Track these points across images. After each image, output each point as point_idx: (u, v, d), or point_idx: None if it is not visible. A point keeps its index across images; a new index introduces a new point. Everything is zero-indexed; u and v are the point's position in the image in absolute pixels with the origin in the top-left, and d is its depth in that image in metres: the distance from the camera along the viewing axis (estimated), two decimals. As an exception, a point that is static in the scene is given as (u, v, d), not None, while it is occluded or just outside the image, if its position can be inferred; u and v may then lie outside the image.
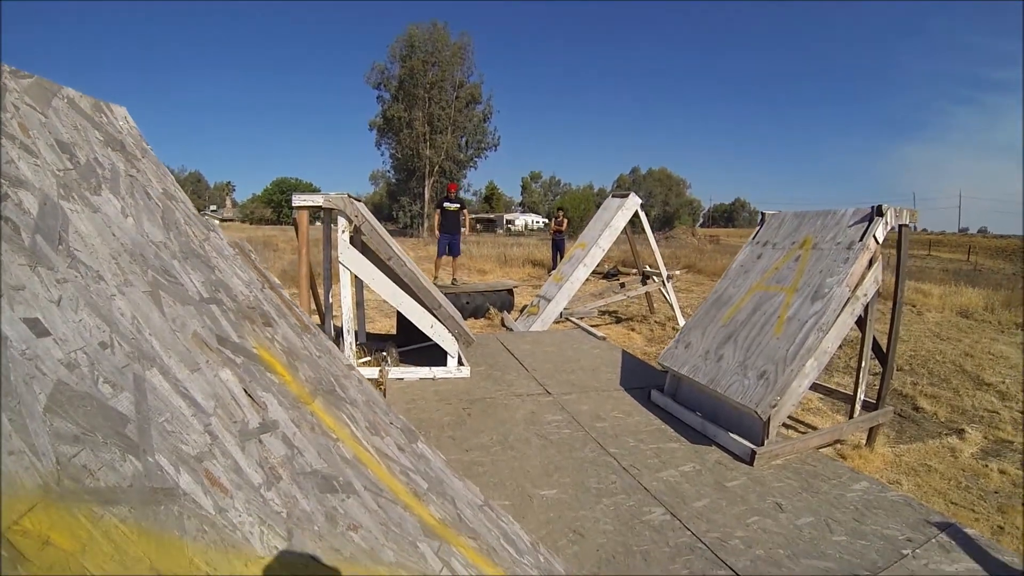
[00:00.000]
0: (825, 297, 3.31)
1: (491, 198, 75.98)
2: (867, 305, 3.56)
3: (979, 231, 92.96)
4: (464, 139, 50.33)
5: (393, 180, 56.61)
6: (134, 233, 1.41)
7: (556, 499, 2.62)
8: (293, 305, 2.09)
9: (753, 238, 4.40)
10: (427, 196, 48.95)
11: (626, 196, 7.51)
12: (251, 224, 70.81)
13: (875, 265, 3.51)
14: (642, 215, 7.53)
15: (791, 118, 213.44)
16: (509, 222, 63.75)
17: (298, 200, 4.22)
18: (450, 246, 9.51)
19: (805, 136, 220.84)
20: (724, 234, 53.89)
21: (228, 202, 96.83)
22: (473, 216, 69.54)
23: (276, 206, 79.69)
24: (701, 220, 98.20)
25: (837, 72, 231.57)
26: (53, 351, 0.91)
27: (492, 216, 69.91)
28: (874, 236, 3.46)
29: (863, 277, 3.45)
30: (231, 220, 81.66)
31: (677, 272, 14.40)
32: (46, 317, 0.95)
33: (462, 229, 9.73)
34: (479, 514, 1.69)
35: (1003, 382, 5.87)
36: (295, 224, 4.39)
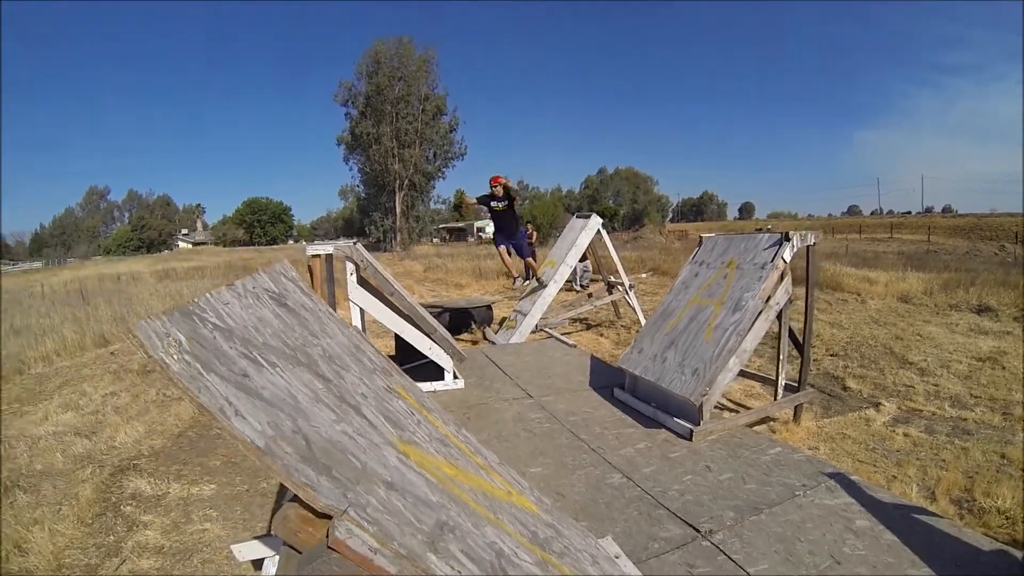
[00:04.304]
0: (743, 309, 4.12)
1: (460, 206, 76.04)
2: (781, 311, 4.39)
3: (943, 210, 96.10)
4: (432, 151, 50.65)
5: (363, 195, 56.53)
6: (373, 389, 1.97)
7: (543, 474, 3.44)
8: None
9: (693, 258, 5.20)
10: (398, 210, 49.22)
11: (588, 217, 8.26)
12: (226, 247, 69.65)
13: (785, 280, 4.32)
14: (604, 233, 8.24)
15: (755, 109, 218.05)
16: (480, 230, 63.85)
17: (311, 250, 4.97)
18: (515, 248, 7.87)
19: (768, 126, 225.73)
20: (693, 228, 55.02)
21: (199, 225, 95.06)
22: (443, 226, 69.27)
23: (248, 227, 79.24)
24: (670, 216, 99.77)
25: (795, 60, 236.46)
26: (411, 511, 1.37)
27: (462, 225, 70.15)
28: (782, 257, 4.26)
29: (775, 290, 4.28)
30: (204, 243, 79.72)
31: (643, 276, 15.32)
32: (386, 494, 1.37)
33: (521, 230, 8.06)
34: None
35: (924, 360, 6.57)
36: (310, 270, 5.12)
